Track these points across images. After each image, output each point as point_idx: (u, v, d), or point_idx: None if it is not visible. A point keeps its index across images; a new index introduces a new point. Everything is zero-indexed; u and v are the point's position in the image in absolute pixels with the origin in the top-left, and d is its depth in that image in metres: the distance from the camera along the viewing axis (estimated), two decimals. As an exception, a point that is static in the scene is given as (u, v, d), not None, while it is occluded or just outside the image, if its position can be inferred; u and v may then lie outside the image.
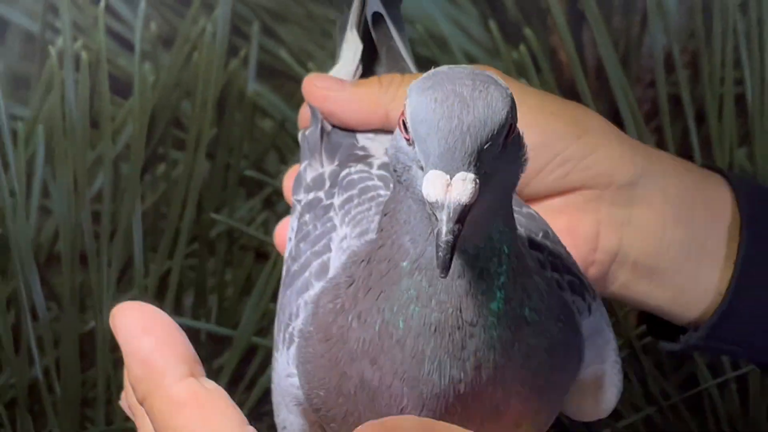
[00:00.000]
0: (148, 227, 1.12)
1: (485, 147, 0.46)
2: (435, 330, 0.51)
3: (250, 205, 1.13)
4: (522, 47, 1.10)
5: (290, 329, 0.61)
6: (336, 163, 0.67)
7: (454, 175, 0.46)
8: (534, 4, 1.12)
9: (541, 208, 0.69)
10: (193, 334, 1.13)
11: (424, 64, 1.04)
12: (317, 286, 0.58)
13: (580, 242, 0.70)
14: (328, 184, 0.65)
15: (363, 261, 0.53)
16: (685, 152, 1.14)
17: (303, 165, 0.68)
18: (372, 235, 0.57)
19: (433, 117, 0.47)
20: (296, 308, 0.61)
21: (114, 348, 1.16)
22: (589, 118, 0.71)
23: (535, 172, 0.69)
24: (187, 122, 1.10)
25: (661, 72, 1.12)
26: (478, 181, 0.46)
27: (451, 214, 0.46)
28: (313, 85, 0.68)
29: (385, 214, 0.52)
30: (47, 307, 1.11)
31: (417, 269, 0.51)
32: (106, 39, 1.08)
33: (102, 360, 1.14)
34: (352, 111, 0.67)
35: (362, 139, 0.68)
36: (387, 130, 0.69)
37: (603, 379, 0.60)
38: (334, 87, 0.68)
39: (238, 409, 0.56)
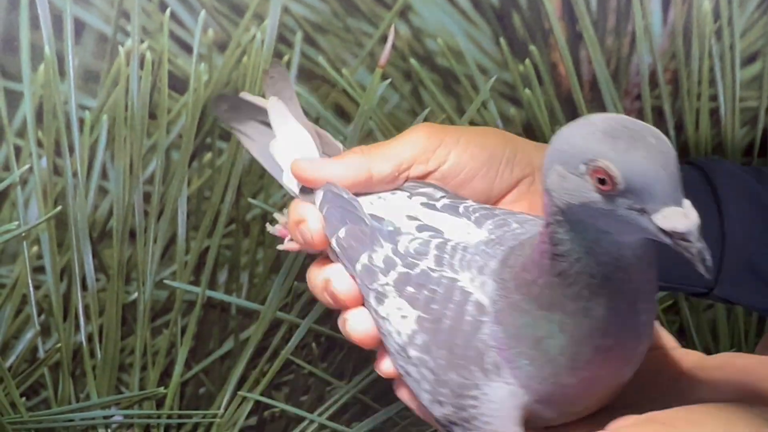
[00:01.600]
0: (192, 209, 1.15)
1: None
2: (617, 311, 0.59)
3: (283, 191, 1.15)
4: (527, 61, 1.14)
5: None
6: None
7: (681, 206, 0.53)
8: (539, 25, 1.14)
9: (506, 204, 0.80)
10: (225, 308, 1.18)
11: (443, 73, 1.15)
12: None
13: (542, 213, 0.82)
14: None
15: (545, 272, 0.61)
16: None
17: (363, 258, 0.73)
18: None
19: (650, 170, 0.53)
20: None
21: (153, 318, 1.18)
22: (509, 136, 0.81)
23: (494, 176, 0.79)
24: (234, 117, 1.15)
25: (646, 87, 1.16)
26: None
27: (698, 234, 0.53)
28: (301, 167, 0.78)
29: (555, 245, 0.60)
30: (96, 278, 1.16)
31: (600, 278, 0.58)
32: (168, 42, 1.10)
33: (141, 329, 1.17)
34: (345, 179, 0.77)
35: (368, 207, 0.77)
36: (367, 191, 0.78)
37: None
38: (318, 165, 0.79)
39: None
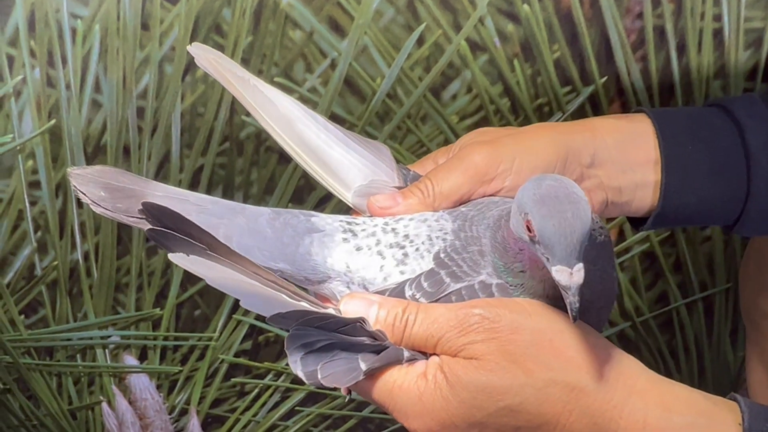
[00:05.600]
0: (186, 125, 1.15)
1: (583, 245, 0.73)
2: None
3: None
4: (526, -24, 1.13)
5: None
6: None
7: (572, 267, 0.72)
8: (539, -61, 1.13)
9: None
10: (219, 228, 1.22)
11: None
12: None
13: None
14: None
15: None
16: (666, 82, 1.16)
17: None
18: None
19: (555, 235, 0.72)
20: None
21: (147, 238, 1.25)
22: (559, 137, 0.87)
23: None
24: (226, 29, 1.13)
25: (648, 5, 1.14)
26: (583, 265, 0.72)
27: (575, 292, 0.72)
28: (377, 208, 0.85)
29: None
30: (92, 195, 1.19)
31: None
32: (160, -53, 1.10)
33: (136, 248, 1.17)
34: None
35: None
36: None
37: None
38: (392, 204, 0.85)
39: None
